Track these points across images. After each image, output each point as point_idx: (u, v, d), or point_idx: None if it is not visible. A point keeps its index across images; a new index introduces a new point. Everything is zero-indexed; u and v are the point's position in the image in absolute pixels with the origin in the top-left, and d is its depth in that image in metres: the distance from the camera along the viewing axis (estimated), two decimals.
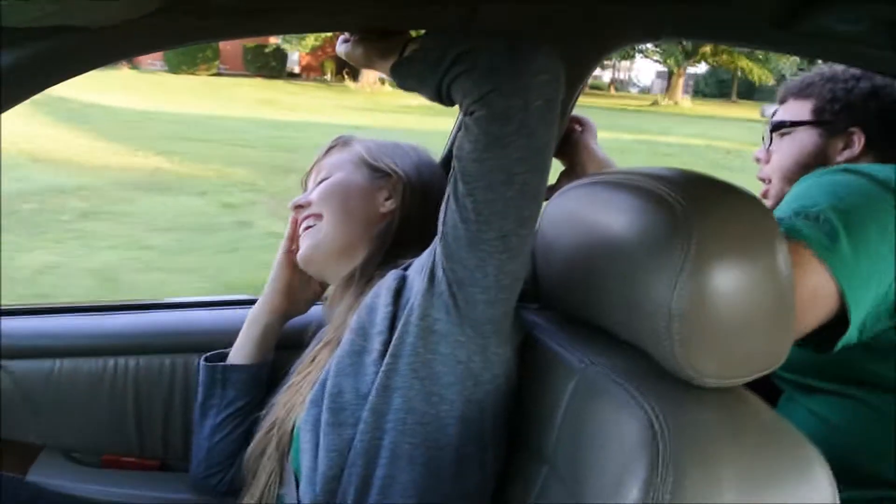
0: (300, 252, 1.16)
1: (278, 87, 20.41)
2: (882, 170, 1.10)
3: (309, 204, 1.16)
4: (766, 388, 1.02)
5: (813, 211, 1.04)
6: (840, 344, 1.02)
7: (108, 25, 0.92)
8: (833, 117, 1.28)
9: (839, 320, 1.01)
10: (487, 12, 1.09)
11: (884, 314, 1.04)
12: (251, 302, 1.34)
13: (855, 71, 1.30)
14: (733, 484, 0.68)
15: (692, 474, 0.68)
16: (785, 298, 0.76)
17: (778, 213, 1.09)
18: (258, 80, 19.82)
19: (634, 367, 0.82)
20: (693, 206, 0.76)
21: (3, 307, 1.44)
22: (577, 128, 1.36)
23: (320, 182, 1.17)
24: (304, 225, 1.17)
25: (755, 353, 0.77)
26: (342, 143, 1.23)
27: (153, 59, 22.25)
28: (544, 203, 1.00)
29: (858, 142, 1.26)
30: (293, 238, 1.23)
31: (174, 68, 21.89)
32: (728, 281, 0.73)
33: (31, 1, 0.72)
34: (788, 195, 1.17)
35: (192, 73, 21.56)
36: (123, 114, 12.60)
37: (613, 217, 0.85)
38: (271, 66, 23.56)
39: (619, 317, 0.85)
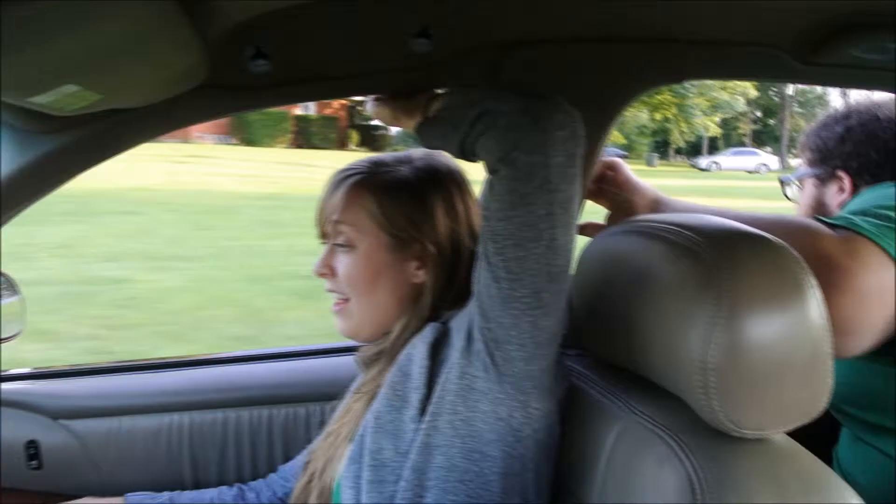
0: (337, 325, 1.11)
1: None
2: None
3: (333, 276, 1.07)
4: (823, 428, 1.00)
5: (869, 209, 1.05)
6: None
7: (149, 105, 0.97)
8: (819, 167, 1.35)
9: None
10: (510, 66, 1.12)
11: None
12: (301, 354, 1.37)
13: (837, 115, 1.36)
14: None
15: None
16: (821, 346, 0.76)
17: (836, 216, 1.10)
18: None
19: (675, 417, 0.82)
20: (724, 257, 0.76)
21: (66, 368, 1.51)
22: (609, 172, 1.36)
23: (339, 244, 1.06)
24: (334, 301, 1.09)
25: (794, 403, 0.77)
26: (355, 186, 1.06)
27: (201, 132, 23.17)
28: (583, 246, 1.00)
29: (847, 183, 1.31)
30: None
31: (258, 142, 22.86)
32: (762, 332, 0.73)
33: (76, 95, 0.77)
34: (846, 208, 1.21)
35: (272, 146, 22.42)
36: None
37: (647, 268, 0.86)
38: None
39: (657, 367, 0.85)
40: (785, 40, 1.16)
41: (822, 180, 1.35)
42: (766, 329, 0.73)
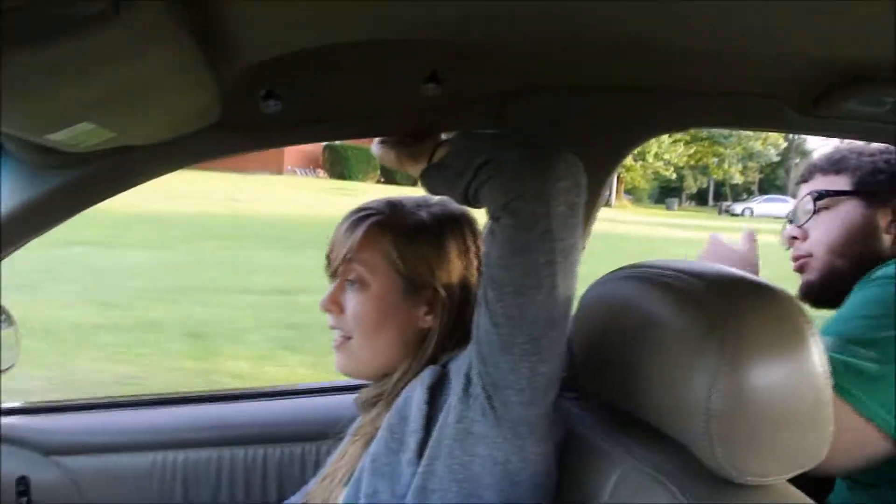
0: (336, 361, 1.09)
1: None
2: None
3: (340, 312, 1.06)
4: (818, 476, 1.01)
5: (853, 338, 1.07)
6: None
7: (159, 143, 0.98)
8: (878, 188, 1.28)
9: None
10: (514, 112, 1.14)
11: None
12: (297, 393, 1.35)
13: (869, 149, 1.33)
14: None
15: None
16: (821, 395, 0.76)
17: (828, 329, 1.10)
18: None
19: (676, 462, 0.82)
20: (727, 304, 0.77)
21: (60, 403, 1.50)
22: None
23: (350, 280, 1.05)
24: (335, 336, 1.08)
25: (795, 451, 0.77)
26: (373, 227, 1.05)
27: (298, 167, 23.47)
28: (584, 291, 1.01)
29: None
30: None
31: (352, 176, 23.15)
32: (765, 380, 0.74)
33: (91, 132, 0.77)
34: (849, 303, 1.18)
35: (364, 181, 22.75)
36: None
37: (648, 314, 0.86)
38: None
39: (658, 412, 0.85)
40: (787, 92, 1.19)
41: (877, 204, 1.27)
42: (769, 376, 0.74)
